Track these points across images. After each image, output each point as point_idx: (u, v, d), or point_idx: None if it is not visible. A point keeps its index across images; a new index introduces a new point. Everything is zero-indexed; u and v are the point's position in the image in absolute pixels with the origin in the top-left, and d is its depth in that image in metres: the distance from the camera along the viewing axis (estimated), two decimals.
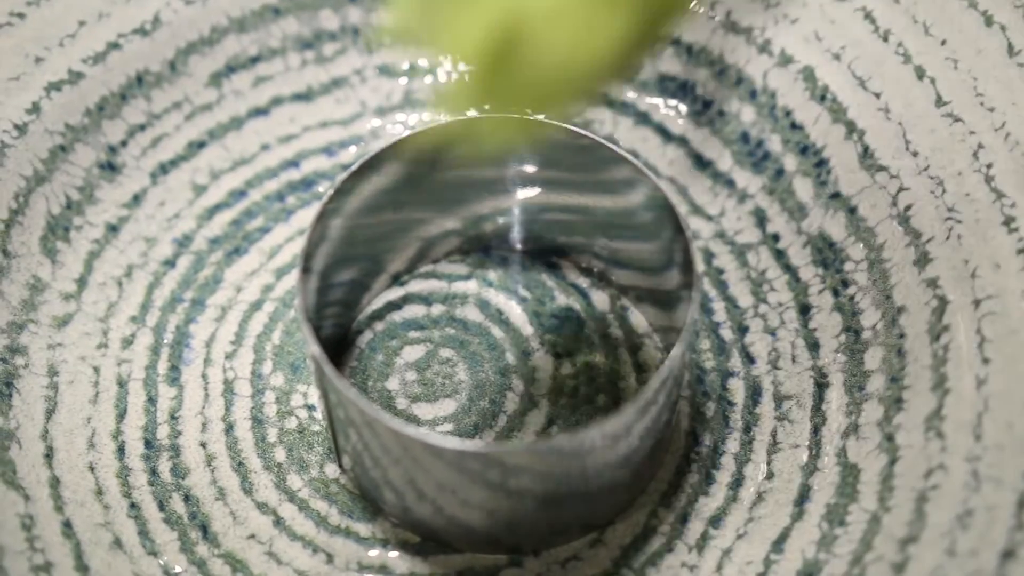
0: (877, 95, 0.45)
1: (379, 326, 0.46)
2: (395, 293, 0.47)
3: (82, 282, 0.45)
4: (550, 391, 0.44)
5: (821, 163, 0.45)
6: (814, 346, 0.44)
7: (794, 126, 0.46)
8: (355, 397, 0.36)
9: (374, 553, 0.41)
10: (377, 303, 0.46)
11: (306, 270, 0.40)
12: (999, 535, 0.36)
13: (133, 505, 0.41)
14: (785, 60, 0.47)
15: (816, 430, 0.42)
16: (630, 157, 0.41)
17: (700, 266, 0.38)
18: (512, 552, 0.41)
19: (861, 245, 0.44)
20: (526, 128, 0.39)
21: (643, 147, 0.49)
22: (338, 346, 0.45)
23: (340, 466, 0.42)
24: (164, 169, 0.48)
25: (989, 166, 0.42)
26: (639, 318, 0.46)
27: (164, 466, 0.42)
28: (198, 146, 0.48)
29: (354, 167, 0.40)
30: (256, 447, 0.43)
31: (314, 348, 0.37)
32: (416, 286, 0.47)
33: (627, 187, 0.42)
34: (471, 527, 0.40)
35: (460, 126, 0.39)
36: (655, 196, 0.40)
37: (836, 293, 0.44)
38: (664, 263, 0.42)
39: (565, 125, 0.41)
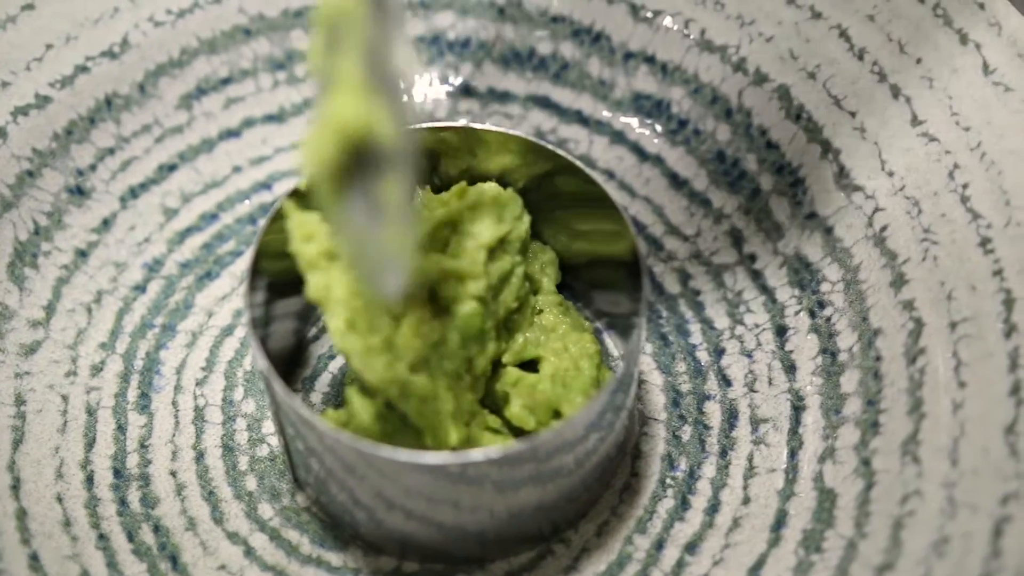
0: (852, 114, 0.44)
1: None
2: None
3: (50, 309, 0.44)
4: None
5: (797, 183, 0.45)
6: (791, 368, 0.43)
7: (770, 145, 0.46)
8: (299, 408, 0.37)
9: None
10: None
11: (253, 287, 0.39)
12: (975, 563, 0.35)
13: (102, 536, 0.41)
14: (760, 79, 0.46)
15: (793, 454, 0.42)
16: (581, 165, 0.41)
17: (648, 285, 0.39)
18: (468, 563, 0.41)
19: (837, 266, 0.43)
20: None
21: (619, 166, 0.48)
22: (294, 356, 0.45)
23: (295, 479, 0.42)
24: (134, 193, 0.47)
25: (965, 186, 0.41)
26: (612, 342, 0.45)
27: (133, 496, 0.42)
28: (168, 169, 0.48)
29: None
30: (227, 475, 0.43)
31: (262, 363, 0.37)
32: None
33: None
34: (420, 538, 0.40)
35: None
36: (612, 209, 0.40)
37: (813, 314, 0.44)
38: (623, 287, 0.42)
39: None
